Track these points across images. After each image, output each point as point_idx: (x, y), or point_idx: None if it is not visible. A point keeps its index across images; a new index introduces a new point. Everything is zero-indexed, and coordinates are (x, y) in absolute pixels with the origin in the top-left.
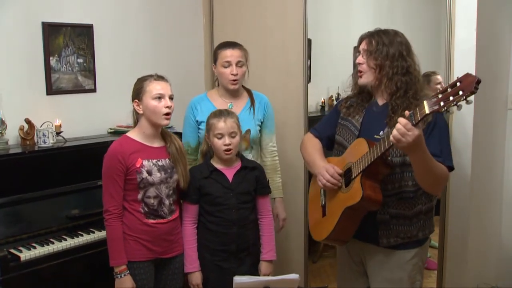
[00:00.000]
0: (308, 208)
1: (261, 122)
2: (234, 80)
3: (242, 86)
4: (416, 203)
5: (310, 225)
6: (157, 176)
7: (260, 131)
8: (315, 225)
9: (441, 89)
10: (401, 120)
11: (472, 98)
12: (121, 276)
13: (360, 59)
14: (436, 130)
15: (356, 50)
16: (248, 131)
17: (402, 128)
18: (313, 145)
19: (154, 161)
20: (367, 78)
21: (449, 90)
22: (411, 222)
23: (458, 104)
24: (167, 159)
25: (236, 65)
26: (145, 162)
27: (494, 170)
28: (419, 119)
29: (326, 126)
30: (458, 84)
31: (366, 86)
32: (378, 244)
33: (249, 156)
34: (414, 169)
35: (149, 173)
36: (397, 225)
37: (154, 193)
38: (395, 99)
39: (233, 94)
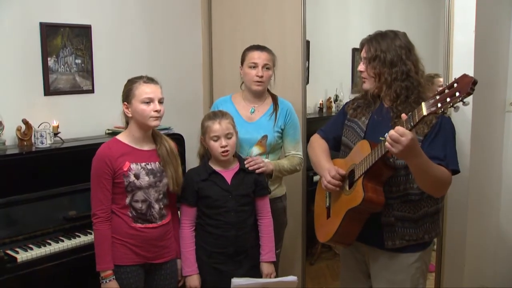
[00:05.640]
0: (305, 209)
1: (282, 130)
2: (259, 82)
3: (268, 91)
4: (422, 205)
5: (315, 227)
6: (145, 180)
7: (282, 138)
8: (320, 226)
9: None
10: (396, 128)
11: (469, 99)
12: (106, 281)
13: (361, 66)
14: (441, 133)
15: (359, 55)
16: (265, 137)
17: (395, 134)
18: (320, 145)
19: (142, 164)
20: (369, 85)
21: (446, 91)
22: (417, 225)
23: (455, 105)
24: (157, 163)
25: (263, 67)
26: (133, 166)
27: (492, 172)
28: (417, 120)
29: (333, 127)
30: (455, 85)
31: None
32: (383, 246)
33: (266, 160)
34: (413, 174)
35: (137, 176)
36: (403, 227)
37: (142, 197)
38: (396, 105)
39: (257, 98)
